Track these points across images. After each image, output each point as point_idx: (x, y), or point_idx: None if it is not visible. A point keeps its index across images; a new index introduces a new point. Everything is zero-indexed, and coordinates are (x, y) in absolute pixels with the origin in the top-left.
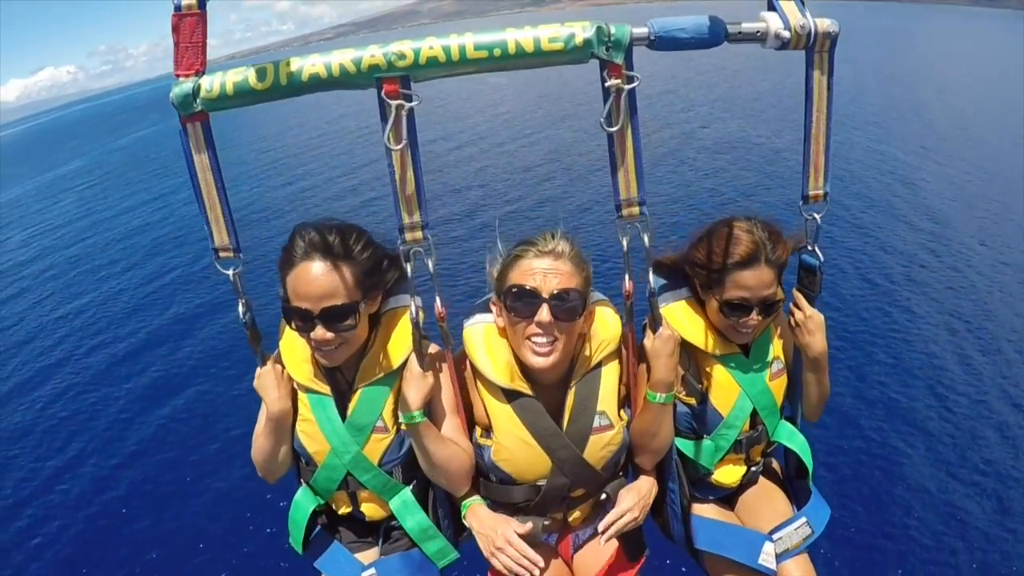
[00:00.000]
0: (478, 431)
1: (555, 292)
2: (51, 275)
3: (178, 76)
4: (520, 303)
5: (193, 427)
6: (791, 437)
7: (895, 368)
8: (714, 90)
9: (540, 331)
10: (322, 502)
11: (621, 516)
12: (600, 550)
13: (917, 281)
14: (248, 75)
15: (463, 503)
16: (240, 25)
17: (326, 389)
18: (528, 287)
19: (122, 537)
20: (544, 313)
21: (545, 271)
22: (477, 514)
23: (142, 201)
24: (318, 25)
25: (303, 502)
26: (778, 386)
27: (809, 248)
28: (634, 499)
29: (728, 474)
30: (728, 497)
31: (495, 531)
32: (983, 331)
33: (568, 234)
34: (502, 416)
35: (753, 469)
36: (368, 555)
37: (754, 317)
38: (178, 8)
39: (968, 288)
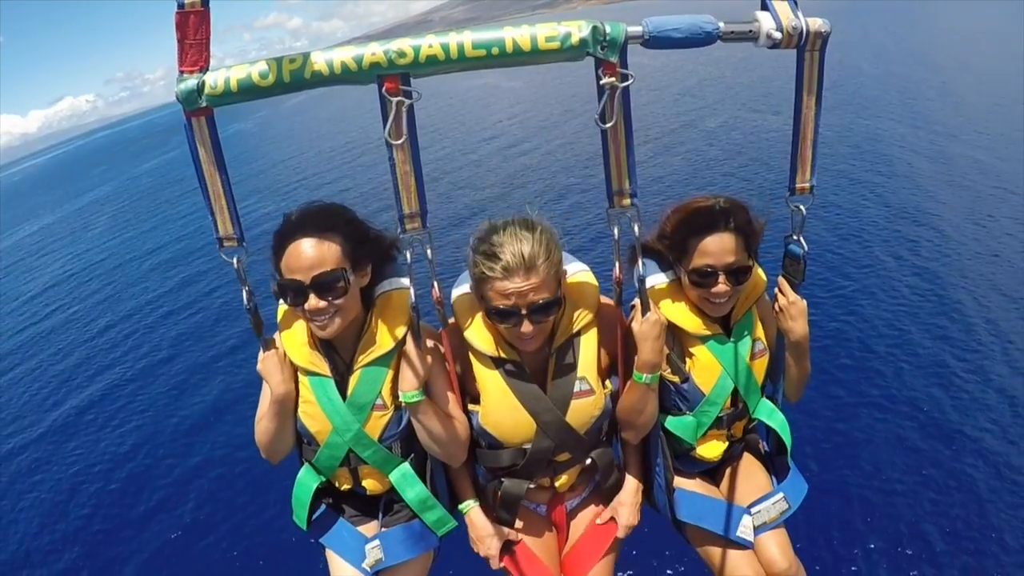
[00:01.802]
0: (469, 400)
1: (534, 305)
2: (92, 294)
3: (182, 72)
4: (501, 318)
5: (202, 418)
6: (771, 415)
7: (874, 350)
8: (707, 85)
9: (525, 333)
10: (324, 479)
11: (625, 528)
12: (587, 515)
13: (902, 263)
14: (252, 71)
15: (460, 507)
16: (254, 44)
17: (326, 370)
18: (505, 307)
19: (131, 522)
20: (526, 325)
21: (519, 289)
22: (472, 521)
23: (174, 219)
24: (331, 40)
25: (306, 480)
26: (759, 366)
27: (795, 238)
28: (629, 513)
29: (710, 449)
30: (711, 472)
31: (482, 543)
32: (969, 311)
33: (530, 219)
34: (490, 381)
35: (735, 445)
36: (370, 528)
37: (721, 285)
38: (181, 6)
39: (957, 265)
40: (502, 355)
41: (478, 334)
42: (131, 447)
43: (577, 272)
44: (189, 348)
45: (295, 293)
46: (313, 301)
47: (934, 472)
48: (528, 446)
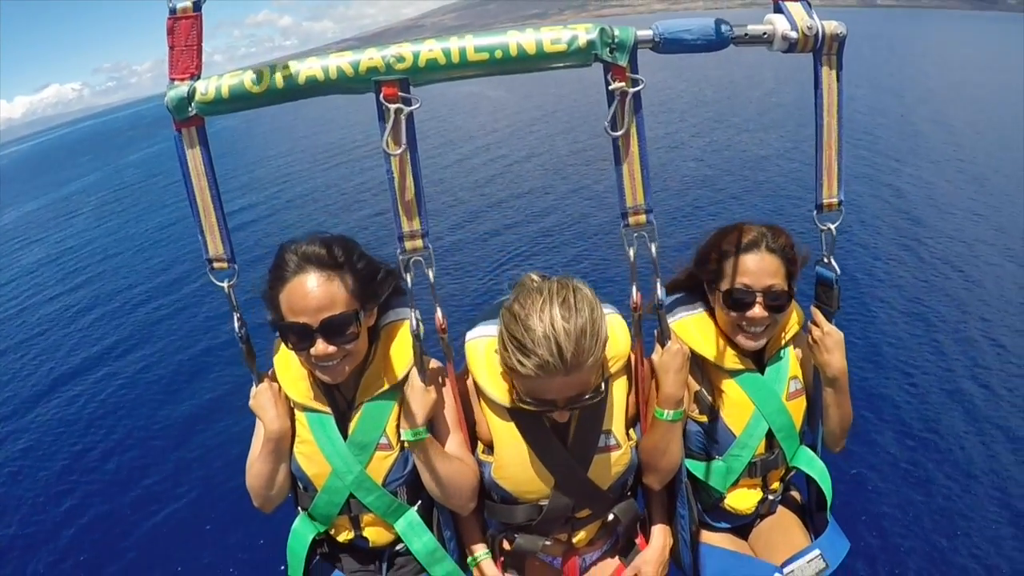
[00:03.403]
0: (480, 447)
1: (574, 398)
2: (74, 284)
3: (173, 80)
4: (539, 406)
5: (190, 453)
6: (810, 463)
7: (924, 389)
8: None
9: (558, 418)
10: (322, 529)
11: None
12: (606, 573)
13: (935, 293)
14: (244, 78)
15: (471, 559)
16: (244, 40)
17: (325, 407)
18: (543, 400)
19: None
20: (561, 414)
21: (560, 390)
22: (483, 572)
23: (160, 214)
24: (321, 40)
25: (302, 531)
26: (796, 407)
27: (825, 261)
28: (654, 572)
29: (742, 499)
30: (743, 528)
31: None
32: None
33: (570, 291)
34: (504, 433)
35: (770, 498)
36: None
37: (758, 311)
38: (173, 11)
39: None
40: (520, 406)
41: (493, 385)
42: (111, 486)
43: (606, 315)
44: (181, 342)
45: (300, 337)
46: (321, 346)
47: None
48: (545, 503)
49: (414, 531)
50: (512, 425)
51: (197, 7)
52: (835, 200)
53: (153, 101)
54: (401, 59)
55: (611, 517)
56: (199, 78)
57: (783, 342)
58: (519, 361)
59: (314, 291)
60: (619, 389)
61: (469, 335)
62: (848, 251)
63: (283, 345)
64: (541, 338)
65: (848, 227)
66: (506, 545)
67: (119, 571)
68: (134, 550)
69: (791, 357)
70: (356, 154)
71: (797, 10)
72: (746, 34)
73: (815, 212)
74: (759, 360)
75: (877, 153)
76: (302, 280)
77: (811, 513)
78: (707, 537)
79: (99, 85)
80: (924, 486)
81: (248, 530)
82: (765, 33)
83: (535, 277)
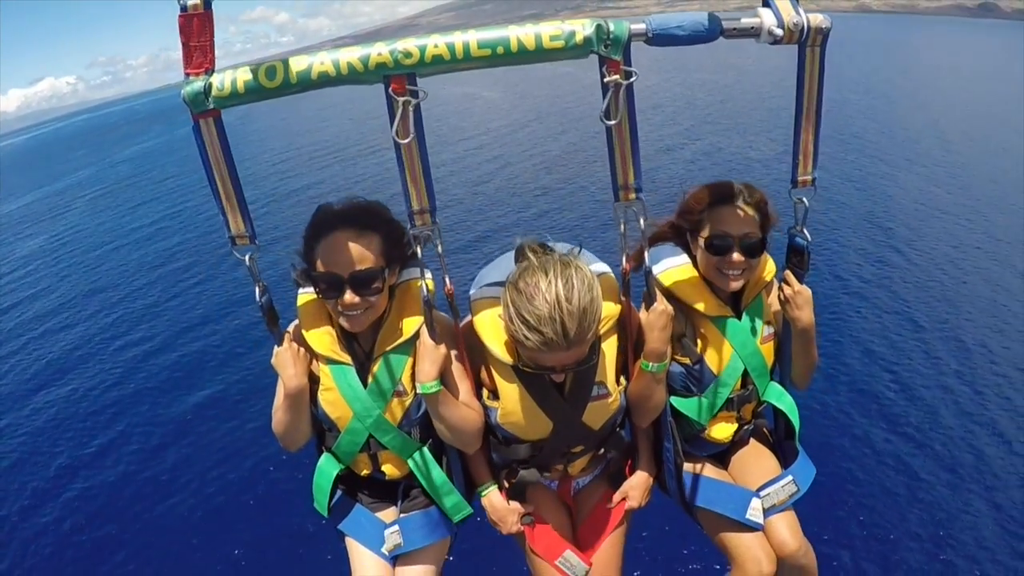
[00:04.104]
0: (485, 393)
1: (571, 366)
2: (69, 276)
3: (188, 75)
4: (540, 370)
5: (219, 410)
6: (780, 397)
7: (884, 338)
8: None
9: (555, 378)
10: (344, 466)
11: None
12: (597, 495)
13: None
14: (258, 73)
15: (479, 490)
16: (240, 37)
17: (347, 359)
18: (544, 366)
19: (157, 510)
20: (558, 375)
21: (560, 360)
22: (491, 501)
23: (157, 208)
24: (317, 38)
25: (327, 467)
26: (768, 350)
27: (798, 230)
28: (640, 495)
29: (721, 430)
30: (721, 456)
31: (504, 523)
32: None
33: (571, 270)
34: (507, 385)
35: (744, 428)
36: (388, 514)
37: (736, 256)
38: (184, 9)
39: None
40: (522, 365)
41: (497, 343)
42: (151, 441)
43: (600, 275)
44: (180, 331)
45: (330, 287)
46: (349, 296)
47: (935, 463)
48: (544, 442)
49: (426, 466)
50: (515, 378)
51: (207, 3)
52: (809, 177)
53: (148, 96)
54: (408, 55)
55: (602, 450)
56: (213, 72)
57: (757, 290)
58: (525, 336)
59: (347, 246)
60: (610, 345)
61: (474, 292)
62: (837, 252)
63: (307, 304)
64: (547, 317)
65: (836, 228)
66: (509, 479)
67: (170, 510)
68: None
69: (764, 305)
70: (360, 148)
71: (784, 5)
72: (735, 28)
73: (791, 187)
74: (736, 307)
75: (867, 156)
76: (338, 236)
77: (780, 442)
78: (689, 467)
79: (94, 79)
80: (884, 421)
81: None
82: (753, 27)
83: (536, 247)
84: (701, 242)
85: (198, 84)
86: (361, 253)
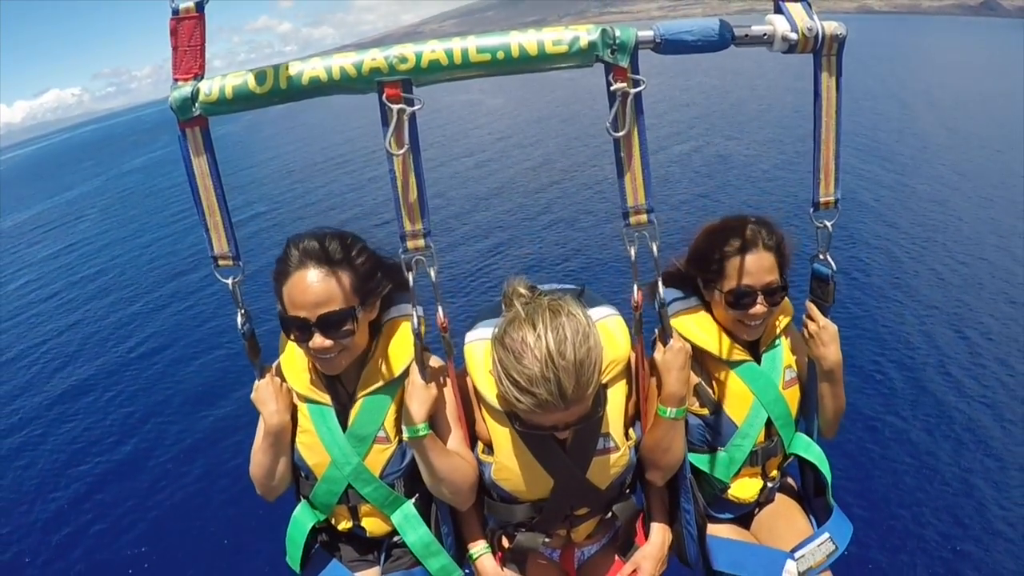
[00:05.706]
0: (480, 447)
1: (574, 424)
2: (81, 289)
3: (176, 80)
4: (538, 431)
5: (191, 444)
6: (807, 448)
7: (915, 378)
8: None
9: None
10: (322, 518)
11: None
12: (604, 567)
13: (929, 289)
14: (247, 79)
15: (470, 553)
16: (244, 46)
17: (327, 399)
18: (543, 427)
19: (117, 557)
20: (561, 434)
21: (559, 420)
22: (484, 567)
23: (164, 218)
24: (320, 46)
25: (302, 518)
26: (791, 395)
27: (821, 257)
28: (654, 566)
29: (745, 488)
30: (744, 517)
31: None
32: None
33: (563, 319)
34: (503, 437)
35: (770, 485)
36: (369, 574)
37: (760, 306)
38: (176, 12)
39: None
40: (519, 427)
41: (493, 392)
42: (110, 480)
43: (605, 318)
44: (189, 341)
45: (299, 330)
46: (318, 340)
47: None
48: (544, 502)
49: (410, 524)
50: (511, 430)
51: (200, 7)
52: (831, 199)
53: (153, 106)
54: (404, 60)
55: (609, 514)
56: (202, 78)
57: (776, 332)
58: (516, 398)
59: (312, 286)
60: (617, 393)
61: (468, 336)
62: (845, 249)
63: (289, 340)
64: (539, 377)
65: (845, 225)
66: (506, 542)
67: (122, 560)
68: (139, 537)
69: (784, 347)
70: (360, 158)
71: (798, 11)
72: (746, 35)
73: (812, 210)
74: (755, 351)
75: (876, 156)
76: (302, 275)
77: (809, 498)
78: (712, 529)
79: (99, 90)
80: (918, 469)
81: (249, 517)
82: (765, 34)
83: (523, 292)
84: (719, 296)
85: (185, 89)
86: (329, 293)
